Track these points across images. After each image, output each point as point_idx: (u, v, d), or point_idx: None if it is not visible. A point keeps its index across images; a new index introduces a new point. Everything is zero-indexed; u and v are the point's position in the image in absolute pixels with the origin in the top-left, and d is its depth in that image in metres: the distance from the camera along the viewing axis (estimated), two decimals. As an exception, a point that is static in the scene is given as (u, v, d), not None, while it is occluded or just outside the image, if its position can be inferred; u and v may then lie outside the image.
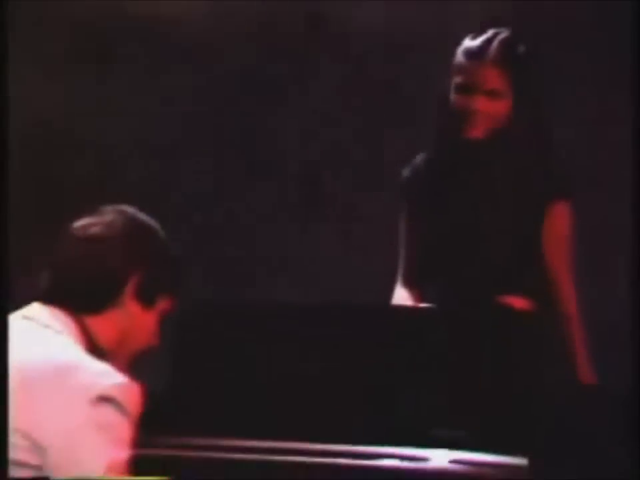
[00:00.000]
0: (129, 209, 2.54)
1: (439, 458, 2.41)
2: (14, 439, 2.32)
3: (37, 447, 2.32)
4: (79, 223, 2.48)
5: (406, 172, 3.20)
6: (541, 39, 4.04)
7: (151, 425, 2.39)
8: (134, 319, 2.49)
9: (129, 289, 2.45)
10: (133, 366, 2.43)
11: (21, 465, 2.33)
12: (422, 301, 3.10)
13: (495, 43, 3.05)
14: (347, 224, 4.58)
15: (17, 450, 2.33)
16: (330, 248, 4.51)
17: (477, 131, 3.02)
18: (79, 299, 2.46)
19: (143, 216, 2.55)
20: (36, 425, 2.33)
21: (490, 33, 3.07)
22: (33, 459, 2.33)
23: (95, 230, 2.47)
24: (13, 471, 2.26)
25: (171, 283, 2.47)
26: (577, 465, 2.50)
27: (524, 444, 2.42)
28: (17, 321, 2.44)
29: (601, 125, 4.41)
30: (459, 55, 3.07)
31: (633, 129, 3.32)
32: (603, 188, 4.31)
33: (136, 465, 2.26)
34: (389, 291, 3.21)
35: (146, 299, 2.45)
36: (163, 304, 2.46)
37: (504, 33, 3.08)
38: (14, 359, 2.30)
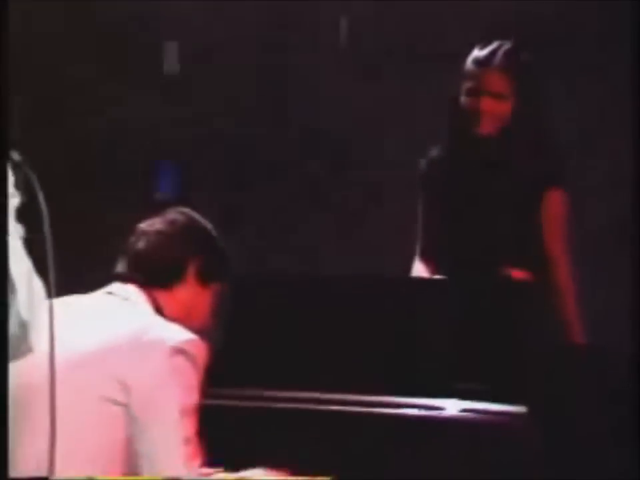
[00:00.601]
0: (186, 210, 3.06)
1: (451, 407, 2.81)
2: (111, 383, 2.83)
3: (126, 388, 2.79)
4: (148, 222, 3.01)
5: (423, 163, 3.58)
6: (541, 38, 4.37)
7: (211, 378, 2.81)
8: (193, 297, 2.96)
9: (190, 271, 2.92)
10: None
11: (113, 402, 2.85)
12: (436, 273, 3.50)
13: (500, 53, 3.42)
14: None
15: (112, 390, 2.83)
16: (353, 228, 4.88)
17: (484, 128, 3.39)
18: (150, 277, 2.95)
19: (197, 215, 3.04)
20: (126, 371, 2.81)
21: (495, 44, 3.44)
22: (120, 397, 2.81)
23: (160, 226, 3.01)
24: (107, 407, 2.83)
25: (222, 268, 3.00)
26: (567, 411, 2.88)
27: (523, 395, 2.80)
28: (101, 296, 2.94)
29: (600, 120, 4.66)
30: (469, 63, 3.44)
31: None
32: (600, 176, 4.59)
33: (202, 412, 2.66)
34: (409, 265, 3.59)
35: (203, 279, 2.92)
36: (216, 286, 2.95)
37: (507, 44, 3.44)
38: (103, 325, 2.86)
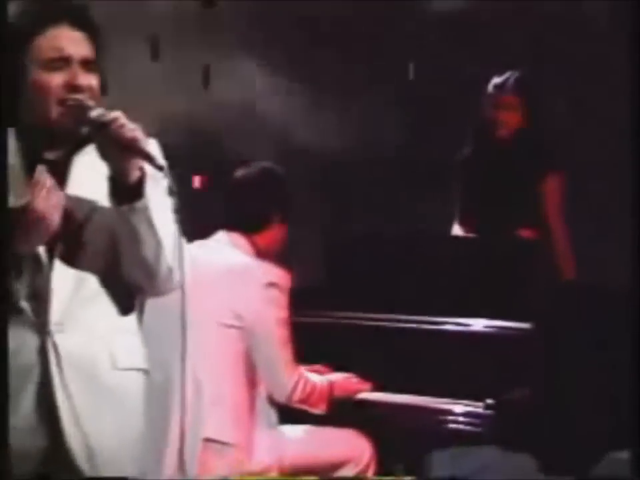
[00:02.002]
0: (268, 164, 3.97)
1: (477, 324, 3.89)
2: (225, 312, 3.75)
3: (237, 315, 3.74)
4: (239, 175, 3.92)
5: (458, 156, 4.80)
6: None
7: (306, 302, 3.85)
8: (278, 237, 3.91)
9: (274, 218, 3.85)
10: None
11: (229, 326, 3.81)
12: (469, 232, 4.72)
13: (512, 80, 4.65)
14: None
15: (227, 317, 3.76)
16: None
17: (502, 132, 4.65)
18: (245, 225, 3.84)
19: (280, 169, 3.96)
20: (235, 302, 3.75)
21: (508, 73, 4.66)
22: (234, 322, 3.76)
23: (249, 179, 3.91)
24: (224, 330, 3.81)
25: (294, 212, 3.87)
26: (564, 328, 3.94)
27: (529, 316, 3.84)
28: (210, 242, 3.87)
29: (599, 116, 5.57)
30: (490, 87, 4.68)
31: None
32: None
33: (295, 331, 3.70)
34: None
35: (284, 223, 3.85)
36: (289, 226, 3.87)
37: (517, 73, 4.66)
38: (213, 264, 3.78)
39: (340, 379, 4.02)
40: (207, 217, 3.88)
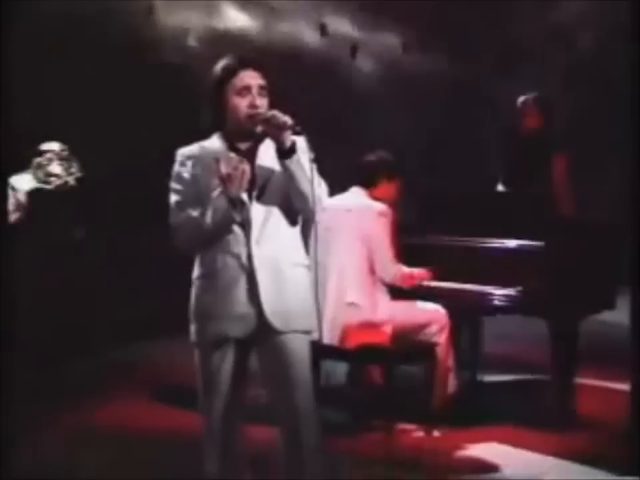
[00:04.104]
0: (381, 151, 5.58)
1: (511, 243, 5.52)
2: (360, 233, 5.39)
3: (366, 235, 5.39)
4: (365, 156, 5.54)
5: (501, 142, 6.65)
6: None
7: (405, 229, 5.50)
8: (386, 188, 5.61)
9: (382, 175, 5.55)
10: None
11: (359, 239, 5.45)
12: (507, 189, 6.55)
13: (531, 98, 6.54)
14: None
15: (361, 236, 5.39)
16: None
17: (528, 125, 6.51)
18: (365, 183, 5.54)
19: (387, 154, 5.55)
20: (364, 226, 5.40)
21: (530, 94, 6.49)
22: (364, 239, 5.39)
23: (367, 156, 5.55)
24: (359, 243, 5.40)
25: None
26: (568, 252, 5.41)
27: (542, 237, 5.36)
28: (347, 193, 5.55)
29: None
30: (518, 102, 6.54)
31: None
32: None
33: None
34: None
35: (390, 179, 5.51)
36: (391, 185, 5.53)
37: (535, 93, 6.48)
38: (349, 204, 5.43)
39: (418, 272, 5.63)
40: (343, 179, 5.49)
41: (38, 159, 3.25)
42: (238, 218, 3.61)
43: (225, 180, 3.54)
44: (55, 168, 3.31)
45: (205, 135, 3.78)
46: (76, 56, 7.34)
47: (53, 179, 3.30)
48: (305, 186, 3.58)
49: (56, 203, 3.40)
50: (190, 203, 3.66)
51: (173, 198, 3.73)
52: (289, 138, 3.56)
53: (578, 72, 8.00)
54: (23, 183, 3.21)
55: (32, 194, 3.22)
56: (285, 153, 3.57)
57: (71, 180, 3.32)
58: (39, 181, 3.29)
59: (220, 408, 3.72)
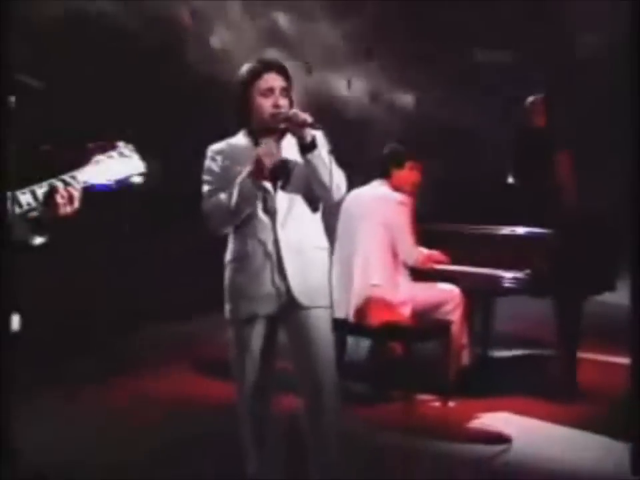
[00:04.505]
0: (394, 144, 5.82)
1: (520, 230, 5.73)
2: (380, 219, 5.58)
3: (386, 221, 5.57)
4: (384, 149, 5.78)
5: (512, 138, 6.80)
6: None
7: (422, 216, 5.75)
8: (405, 177, 5.80)
9: (392, 164, 5.70)
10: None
11: (382, 225, 5.60)
12: (517, 182, 6.73)
13: (539, 99, 6.74)
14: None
15: (381, 221, 5.57)
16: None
17: (536, 123, 6.69)
18: (383, 173, 5.74)
19: (401, 146, 5.76)
20: (384, 213, 5.57)
21: (538, 95, 6.68)
22: (385, 224, 5.58)
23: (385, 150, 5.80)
24: (380, 229, 5.62)
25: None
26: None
27: (550, 226, 5.60)
28: (371, 185, 5.74)
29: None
30: (527, 102, 6.77)
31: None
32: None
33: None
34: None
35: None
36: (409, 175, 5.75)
37: (542, 95, 6.69)
38: (372, 194, 5.66)
39: (436, 254, 5.86)
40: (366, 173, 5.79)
41: (99, 156, 3.19)
42: (260, 198, 3.75)
43: (261, 157, 3.68)
44: (117, 164, 3.23)
45: (231, 133, 3.93)
46: (115, 63, 7.48)
47: (113, 175, 3.22)
48: (325, 176, 3.68)
49: (110, 199, 3.35)
50: (219, 190, 3.81)
51: (205, 188, 3.86)
52: (310, 133, 3.67)
53: (578, 72, 8.03)
54: (81, 177, 3.13)
55: (87, 189, 3.13)
56: (307, 147, 3.68)
57: (136, 176, 3.23)
58: (98, 176, 3.20)
59: (251, 378, 3.86)
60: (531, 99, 6.82)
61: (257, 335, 3.83)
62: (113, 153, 3.22)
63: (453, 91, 8.57)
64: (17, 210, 3.01)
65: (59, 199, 3.06)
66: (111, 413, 5.68)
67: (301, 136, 3.67)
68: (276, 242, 3.76)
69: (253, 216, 3.79)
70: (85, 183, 3.14)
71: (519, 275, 5.60)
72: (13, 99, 2.89)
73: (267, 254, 3.76)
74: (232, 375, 3.94)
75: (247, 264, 3.81)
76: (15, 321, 3.02)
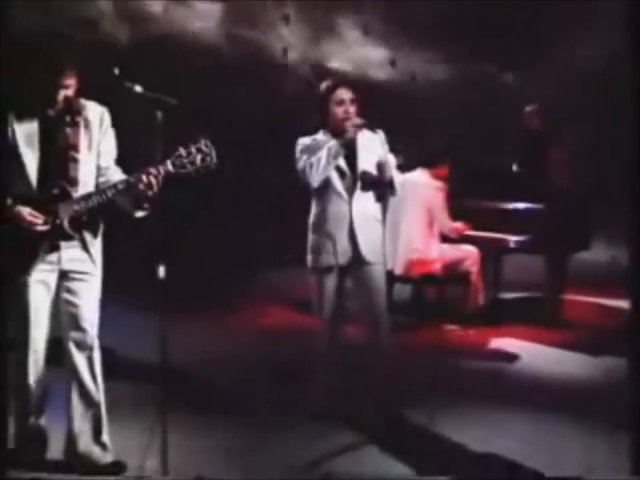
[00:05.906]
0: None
1: (520, 206, 6.27)
2: (423, 201, 6.06)
3: (426, 200, 6.11)
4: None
5: (516, 139, 7.30)
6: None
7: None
8: (442, 172, 6.38)
9: (438, 159, 6.27)
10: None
11: (423, 206, 6.07)
12: (521, 170, 7.18)
13: (535, 107, 7.03)
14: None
15: (422, 202, 6.06)
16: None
17: (531, 126, 6.95)
18: (427, 164, 6.19)
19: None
20: (425, 195, 6.09)
21: (535, 104, 6.98)
22: (426, 204, 6.09)
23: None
24: (423, 210, 6.05)
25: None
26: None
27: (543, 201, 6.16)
28: (415, 173, 6.21)
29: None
30: (525, 112, 7.00)
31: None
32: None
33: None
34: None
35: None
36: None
37: (537, 105, 6.99)
38: (417, 181, 6.17)
39: (460, 225, 6.34)
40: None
41: (183, 150, 3.14)
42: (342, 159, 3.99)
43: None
44: (198, 158, 3.15)
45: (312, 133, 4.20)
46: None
47: (192, 166, 3.15)
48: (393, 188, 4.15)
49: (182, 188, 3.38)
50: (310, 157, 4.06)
51: (300, 162, 4.02)
52: (359, 132, 3.96)
53: (579, 72, 8.36)
54: (163, 168, 3.14)
55: (168, 178, 3.15)
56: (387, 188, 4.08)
57: (209, 165, 3.15)
58: (180, 167, 3.14)
59: (328, 312, 4.18)
60: (528, 108, 6.93)
61: (332, 280, 4.10)
62: (192, 148, 3.23)
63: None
64: (113, 192, 3.18)
65: (141, 186, 3.16)
66: (235, 335, 5.96)
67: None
68: (350, 211, 4.00)
69: (333, 190, 3.98)
70: (165, 173, 3.18)
71: (520, 238, 6.10)
72: (160, 114, 3.00)
73: (343, 219, 3.98)
74: (314, 310, 4.18)
75: (327, 226, 4.02)
76: (161, 270, 3.16)
